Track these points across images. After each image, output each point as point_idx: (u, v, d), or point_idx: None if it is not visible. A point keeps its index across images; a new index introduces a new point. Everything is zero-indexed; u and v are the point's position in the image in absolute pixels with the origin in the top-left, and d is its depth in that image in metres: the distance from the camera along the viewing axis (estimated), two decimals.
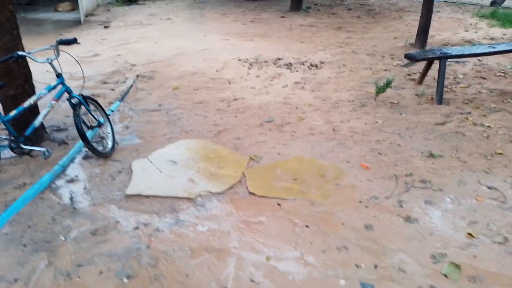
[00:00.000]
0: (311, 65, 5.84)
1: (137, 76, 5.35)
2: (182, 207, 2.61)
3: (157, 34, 7.84)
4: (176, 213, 2.54)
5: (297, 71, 5.60)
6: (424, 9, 6.24)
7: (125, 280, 2.01)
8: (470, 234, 2.37)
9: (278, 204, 2.65)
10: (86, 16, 9.20)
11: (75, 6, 9.63)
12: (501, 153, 3.24)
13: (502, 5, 10.55)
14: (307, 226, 2.43)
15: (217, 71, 5.60)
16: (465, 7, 10.53)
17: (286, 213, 2.55)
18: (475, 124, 3.77)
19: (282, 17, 9.47)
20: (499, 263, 2.12)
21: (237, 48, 6.77)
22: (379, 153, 3.34)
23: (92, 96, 3.40)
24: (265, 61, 6.01)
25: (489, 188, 2.81)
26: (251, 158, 3.27)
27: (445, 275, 2.06)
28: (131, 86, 4.96)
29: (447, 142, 3.48)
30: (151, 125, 3.88)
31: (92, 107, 3.30)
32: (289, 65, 5.83)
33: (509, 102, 4.26)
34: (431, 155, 3.26)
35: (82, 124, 3.00)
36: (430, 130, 3.71)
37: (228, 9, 10.46)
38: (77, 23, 8.94)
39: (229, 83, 5.14)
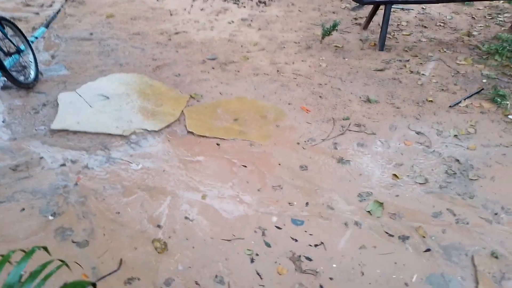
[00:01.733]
0: (260, 2, 5.57)
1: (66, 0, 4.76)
2: (115, 144, 2.47)
3: None
4: (108, 151, 2.41)
5: (244, 7, 5.32)
6: None
7: (50, 218, 1.91)
8: (395, 175, 2.54)
9: (217, 144, 2.61)
10: None
11: None
12: (431, 101, 3.43)
13: None
14: (244, 166, 2.44)
15: (157, 0, 5.14)
16: None
17: (224, 153, 2.53)
18: (411, 72, 3.91)
19: None
20: (417, 202, 2.32)
21: None
22: (320, 97, 3.37)
23: (9, 19, 2.96)
24: None
25: (417, 133, 2.99)
26: (191, 96, 3.14)
27: (369, 212, 2.21)
28: (59, 10, 4.40)
29: (384, 88, 3.59)
30: (81, 56, 3.52)
31: (9, 31, 2.89)
32: (236, 0, 5.51)
33: (445, 52, 4.44)
34: (368, 100, 3.36)
35: None
36: (370, 75, 3.80)
37: None
38: None
39: (171, 14, 4.76)
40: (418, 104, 3.37)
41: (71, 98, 2.84)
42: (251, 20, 4.90)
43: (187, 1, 5.25)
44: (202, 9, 5.05)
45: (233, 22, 4.79)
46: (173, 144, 2.56)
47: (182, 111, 2.92)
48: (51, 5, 4.59)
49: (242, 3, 5.43)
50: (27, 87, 2.87)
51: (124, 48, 3.77)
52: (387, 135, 2.93)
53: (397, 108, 3.30)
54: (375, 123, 3.06)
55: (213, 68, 3.67)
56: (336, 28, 4.30)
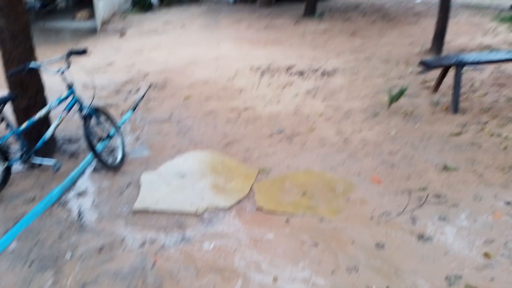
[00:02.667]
0: (324, 73, 5.77)
1: (150, 85, 5.40)
2: (189, 222, 2.59)
3: (171, 42, 7.91)
4: (183, 230, 2.52)
5: (309, 79, 5.54)
6: (441, 13, 6.10)
7: None
8: (486, 254, 2.26)
9: (286, 221, 2.60)
10: (103, 24, 9.37)
11: (92, 14, 9.82)
12: None
13: None
14: (315, 245, 2.37)
15: (229, 79, 5.60)
16: (484, 10, 10.27)
17: (294, 230, 2.50)
18: (492, 135, 3.63)
19: (296, 23, 9.43)
20: None
21: (249, 55, 6.76)
22: (392, 166, 3.25)
23: (103, 107, 3.43)
24: (277, 69, 5.97)
25: (507, 203, 2.69)
26: (259, 170, 3.23)
27: None
28: (143, 95, 5.00)
29: (462, 154, 3.36)
30: (161, 136, 3.88)
31: (102, 118, 3.33)
32: (301, 73, 5.78)
33: None
34: (446, 168, 3.15)
35: (92, 136, 3.03)
36: (445, 141, 3.60)
37: (242, 16, 10.48)
38: (93, 31, 9.11)
39: (240, 92, 5.12)
40: (504, 170, 3.07)
41: (152, 178, 3.10)
42: (316, 91, 5.06)
43: (255, 78, 5.63)
44: (269, 84, 5.37)
45: (298, 94, 4.99)
46: (243, 221, 2.60)
47: (252, 186, 2.99)
48: (137, 91, 5.23)
49: (306, 76, 5.67)
50: (114, 168, 3.20)
51: (198, 127, 4.09)
52: (472, 207, 2.68)
53: (480, 175, 3.04)
54: (457, 194, 2.83)
55: (280, 141, 3.78)
56: (404, 93, 4.25)
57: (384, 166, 3.25)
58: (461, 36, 7.43)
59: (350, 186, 2.99)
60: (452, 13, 7.74)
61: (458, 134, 3.70)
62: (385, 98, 4.57)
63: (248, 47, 7.36)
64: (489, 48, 6.45)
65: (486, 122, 3.89)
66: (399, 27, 8.61)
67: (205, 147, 3.66)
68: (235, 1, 12.61)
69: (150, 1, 11.18)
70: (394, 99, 4.24)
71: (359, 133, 3.88)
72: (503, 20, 8.68)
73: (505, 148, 3.41)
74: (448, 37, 6.58)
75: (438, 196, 2.82)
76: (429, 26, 8.07)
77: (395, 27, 8.69)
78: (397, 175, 3.12)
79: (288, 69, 5.98)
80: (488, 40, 7.07)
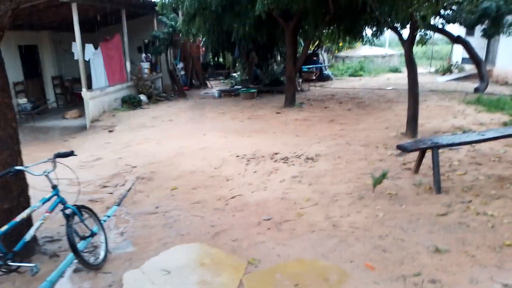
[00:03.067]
0: (307, 158, 5.94)
1: (137, 178, 5.42)
2: None
3: (159, 135, 8.16)
4: None
5: (293, 164, 5.68)
6: (411, 100, 6.58)
7: None
8: None
9: None
10: (92, 122, 9.70)
11: (82, 113, 10.22)
12: (510, 244, 3.09)
13: (485, 91, 11.17)
14: None
15: (215, 168, 5.69)
16: (450, 94, 11.14)
17: None
18: (478, 213, 3.68)
19: (278, 113, 9.96)
20: None
21: (235, 145, 6.98)
22: (384, 250, 3.19)
23: (87, 205, 3.38)
24: (262, 156, 6.13)
25: (505, 286, 2.62)
26: (249, 262, 3.12)
27: None
28: (130, 189, 4.98)
29: (452, 235, 3.35)
30: (147, 230, 3.79)
31: (86, 215, 3.27)
32: (285, 159, 5.94)
33: (509, 187, 4.22)
34: (438, 250, 3.11)
35: (74, 235, 2.93)
36: (433, 222, 3.61)
37: (227, 108, 11.06)
38: (82, 128, 9.39)
39: (227, 180, 5.17)
40: (496, 250, 3.05)
41: (135, 276, 2.94)
42: (301, 177, 5.15)
43: (241, 166, 5.74)
44: (255, 172, 5.46)
45: (284, 180, 5.06)
46: None
47: (241, 279, 2.86)
48: (123, 184, 5.23)
49: (291, 162, 5.82)
50: (96, 268, 3.04)
51: (185, 218, 4.03)
52: None
53: (473, 256, 3.00)
54: (452, 277, 2.75)
55: (268, 229, 3.73)
56: (386, 176, 4.36)
57: (376, 251, 3.19)
58: (433, 119, 7.92)
59: (343, 275, 2.88)
60: (421, 98, 8.35)
61: (445, 214, 3.73)
62: (369, 181, 4.65)
63: (234, 137, 7.63)
64: (461, 129, 6.85)
65: (470, 201, 3.96)
66: (374, 113, 9.17)
67: (193, 238, 3.56)
68: (220, 95, 13.40)
69: (139, 99, 11.78)
70: (377, 181, 4.34)
71: (347, 217, 3.87)
72: (469, 102, 9.38)
73: (493, 226, 3.42)
74: (421, 120, 7.01)
75: (433, 281, 2.73)
76: (402, 111, 8.62)
77: (370, 113, 9.26)
78: (390, 260, 3.04)
79: (273, 156, 6.14)
80: (459, 121, 7.54)
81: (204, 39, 13.15)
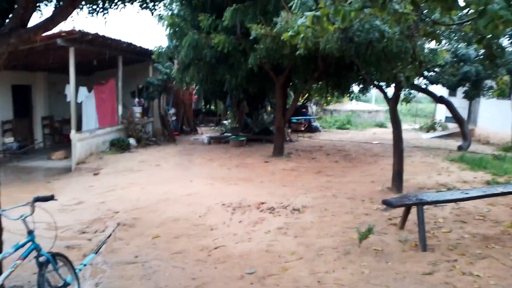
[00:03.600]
0: (294, 209, 5.89)
1: (118, 224, 5.26)
2: None
3: (145, 180, 8.05)
4: None
5: (279, 215, 5.61)
6: (395, 156, 6.72)
7: None
8: None
9: None
10: (78, 163, 9.57)
11: (68, 154, 10.10)
12: None
13: (468, 150, 11.50)
14: None
15: (200, 216, 5.58)
16: (434, 151, 11.42)
17: None
18: (463, 273, 3.63)
19: (266, 162, 10.01)
20: None
21: (221, 192, 6.91)
22: None
23: (63, 252, 3.24)
24: (248, 206, 6.06)
25: None
26: None
27: None
28: (109, 235, 4.82)
29: None
30: (123, 281, 3.61)
31: (61, 263, 3.12)
32: (272, 210, 5.87)
33: (494, 247, 4.21)
34: None
35: (46, 285, 2.78)
36: (419, 281, 3.54)
37: (215, 155, 11.09)
38: (67, 170, 9.23)
39: (211, 229, 5.05)
40: None
41: None
42: (287, 228, 5.07)
43: (226, 214, 5.65)
44: (240, 221, 5.36)
45: (269, 231, 4.97)
46: None
47: None
48: (103, 230, 5.06)
49: (277, 212, 5.76)
50: None
51: (165, 268, 3.87)
52: None
53: None
54: None
55: (251, 283, 3.60)
56: (372, 232, 4.33)
57: None
58: (418, 175, 8.04)
59: None
60: (406, 153, 8.53)
61: (431, 273, 3.66)
62: (355, 235, 4.60)
63: (220, 184, 7.58)
64: (445, 186, 6.95)
65: (456, 260, 3.92)
66: (360, 167, 9.29)
67: None
68: (209, 142, 13.49)
69: (128, 142, 11.78)
70: (363, 237, 4.29)
71: (332, 273, 3.77)
72: (453, 160, 9.60)
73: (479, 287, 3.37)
74: (406, 175, 7.11)
75: None
76: (388, 165, 8.74)
77: (356, 166, 9.38)
78: None
79: (259, 205, 6.08)
80: (443, 178, 7.66)
81: (197, 87, 13.49)
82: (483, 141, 14.48)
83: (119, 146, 11.35)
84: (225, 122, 17.29)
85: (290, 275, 3.74)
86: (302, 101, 17.35)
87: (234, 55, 9.48)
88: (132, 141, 12.05)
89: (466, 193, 4.63)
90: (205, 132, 16.73)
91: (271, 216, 5.58)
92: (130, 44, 11.56)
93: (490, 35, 3.51)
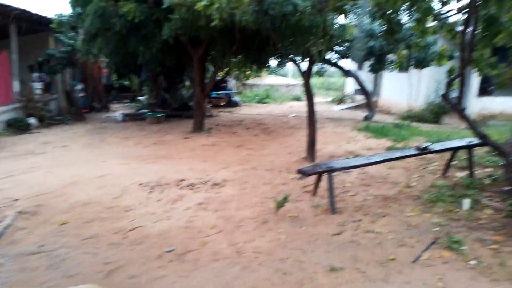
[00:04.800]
0: (214, 184, 5.89)
1: (18, 212, 4.73)
2: None
3: (49, 163, 7.32)
4: None
5: (200, 191, 5.57)
6: (309, 127, 7.05)
7: None
8: None
9: None
10: None
11: None
12: (393, 259, 3.41)
13: (373, 119, 12.58)
14: None
15: (114, 198, 5.28)
16: (344, 122, 12.28)
17: None
18: (367, 231, 4.00)
19: (186, 138, 9.80)
20: None
21: (138, 171, 6.61)
22: (284, 273, 3.25)
23: None
24: (167, 184, 5.90)
25: None
26: None
27: None
28: (8, 226, 4.32)
29: (345, 252, 3.57)
30: (26, 273, 3.28)
31: None
32: (192, 186, 5.80)
33: (392, 206, 4.70)
34: (333, 269, 3.28)
35: None
36: (329, 241, 3.82)
37: (131, 133, 10.52)
38: None
39: (127, 211, 4.82)
40: (382, 264, 3.33)
41: None
42: (208, 203, 5.06)
43: (143, 194, 5.43)
44: (158, 200, 5.20)
45: (189, 208, 4.91)
46: None
47: None
48: (1, 221, 4.52)
49: (197, 188, 5.70)
50: None
51: (75, 256, 3.61)
52: None
53: (363, 272, 3.22)
54: None
55: (170, 261, 3.54)
56: (288, 199, 4.53)
57: (277, 275, 3.23)
58: (330, 144, 8.59)
59: None
60: (319, 125, 9.02)
61: (339, 233, 3.98)
62: (273, 205, 4.79)
63: (137, 163, 7.24)
64: (353, 153, 7.53)
65: (360, 220, 4.31)
66: (279, 139, 9.61)
67: (82, 279, 3.19)
68: (124, 120, 12.73)
69: (27, 122, 10.56)
70: (280, 205, 4.48)
71: (251, 243, 3.88)
72: (360, 129, 10.42)
73: (380, 243, 3.75)
74: (319, 145, 7.53)
75: None
76: (303, 137, 9.17)
77: (275, 139, 9.68)
78: (290, 282, 3.11)
79: (179, 182, 5.96)
80: (351, 147, 8.29)
81: (106, 61, 12.49)
82: (385, 111, 15.96)
83: (17, 126, 10.13)
84: (141, 98, 16.41)
85: (210, 249, 3.76)
86: (221, 75, 17.20)
87: (147, 26, 8.90)
88: (33, 120, 10.83)
89: (370, 159, 5.05)
90: (119, 109, 15.73)
91: (191, 193, 5.51)
92: (24, 11, 10.15)
93: (391, 11, 3.78)
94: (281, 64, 13.58)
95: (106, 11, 8.51)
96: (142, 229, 4.26)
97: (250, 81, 22.91)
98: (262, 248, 3.74)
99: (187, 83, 16.18)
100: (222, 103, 17.09)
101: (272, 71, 14.21)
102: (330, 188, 4.53)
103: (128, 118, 13.03)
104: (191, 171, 6.64)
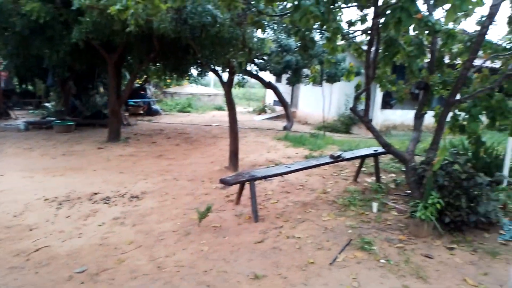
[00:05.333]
0: (132, 197, 5.59)
1: None
2: None
3: None
4: None
5: (116, 205, 5.22)
6: (231, 137, 7.11)
7: None
8: None
9: None
10: None
11: None
12: (313, 262, 3.57)
13: (291, 129, 13.15)
14: None
15: (15, 216, 4.69)
16: (265, 131, 12.63)
17: None
18: (288, 237, 4.13)
19: (100, 148, 9.16)
20: None
21: (44, 186, 5.97)
22: (208, 286, 3.19)
23: None
24: (78, 198, 5.43)
25: None
26: None
27: None
28: None
29: (268, 259, 3.64)
30: None
31: None
32: (107, 199, 5.42)
33: (310, 211, 4.94)
34: (256, 277, 3.31)
35: None
36: (252, 249, 3.85)
37: (35, 143, 9.50)
38: None
39: (30, 229, 4.32)
40: (302, 268, 3.45)
41: None
42: (124, 217, 4.77)
43: (50, 211, 4.92)
44: (68, 216, 4.75)
45: (104, 223, 4.57)
46: None
47: None
48: None
49: (113, 202, 5.35)
50: None
51: None
52: None
53: (285, 278, 3.31)
54: None
55: (82, 282, 3.24)
56: (211, 209, 4.48)
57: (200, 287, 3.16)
58: (252, 153, 8.75)
59: None
60: (241, 134, 9.15)
61: (261, 241, 4.04)
62: (195, 216, 4.69)
63: (42, 176, 6.54)
64: (273, 162, 7.76)
65: (282, 226, 4.43)
66: (201, 148, 9.51)
67: None
68: (26, 128, 11.44)
69: None
70: (203, 216, 4.40)
71: (173, 256, 3.74)
72: (279, 139, 10.81)
73: (300, 248, 3.89)
74: (241, 155, 7.62)
75: None
76: (225, 146, 9.20)
77: (197, 148, 9.55)
78: None
79: (92, 196, 5.52)
80: (271, 155, 8.54)
81: (5, 63, 11.16)
82: (302, 122, 16.82)
83: None
84: (47, 104, 14.95)
85: (127, 266, 3.53)
86: (140, 83, 16.53)
87: (54, 27, 8.18)
88: None
89: (289, 167, 5.25)
90: (22, 117, 14.12)
91: (106, 207, 5.14)
92: None
93: (304, 28, 4.01)
94: (202, 74, 13.51)
95: (4, 9, 7.62)
96: (49, 249, 3.84)
97: (171, 90, 22.38)
98: (184, 262, 3.62)
99: (101, 89, 15.18)
100: (141, 112, 16.39)
101: (194, 80, 14.02)
102: (253, 197, 4.59)
103: (32, 126, 11.75)
104: (106, 183, 6.21)
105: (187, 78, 13.68)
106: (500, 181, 5.06)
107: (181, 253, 3.80)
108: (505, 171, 5.40)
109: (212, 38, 6.54)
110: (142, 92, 17.08)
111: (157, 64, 11.89)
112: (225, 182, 4.67)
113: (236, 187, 5.64)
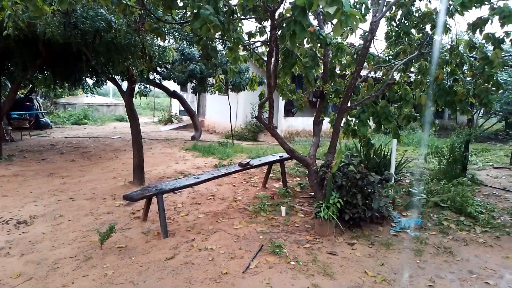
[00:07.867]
0: (19, 223, 4.87)
1: None
2: None
3: None
4: None
5: None
6: (135, 149, 6.71)
7: None
8: None
9: None
10: None
11: None
12: (226, 273, 3.52)
13: (200, 139, 13.01)
14: None
15: None
16: (172, 142, 12.26)
17: None
18: (200, 250, 4.02)
19: None
20: None
21: None
22: None
23: None
24: None
25: None
26: None
27: None
28: None
29: (180, 276, 3.48)
30: None
31: None
32: None
33: (222, 221, 4.90)
34: None
35: None
36: (162, 267, 3.65)
37: None
38: None
39: None
40: (216, 280, 3.39)
41: None
42: (10, 247, 4.13)
43: None
44: None
45: None
46: None
47: None
48: None
49: None
50: None
51: None
52: None
53: None
54: None
55: None
56: (114, 229, 4.13)
57: None
58: (159, 165, 8.39)
59: None
60: (147, 146, 8.73)
61: (172, 257, 3.86)
62: (97, 238, 4.28)
63: None
64: (182, 173, 7.55)
65: (193, 239, 4.30)
66: (101, 163, 8.79)
67: None
68: None
69: None
70: (105, 237, 4.04)
71: (71, 286, 3.34)
72: (188, 149, 10.60)
73: (213, 259, 3.81)
74: (147, 167, 7.24)
75: None
76: (129, 159, 8.67)
77: (97, 163, 8.81)
78: None
79: None
80: (180, 166, 8.30)
81: None
82: (211, 131, 16.79)
83: None
84: None
85: None
86: (25, 93, 14.68)
87: None
88: None
89: (198, 178, 5.15)
90: None
91: None
92: None
93: (206, 37, 3.98)
94: (99, 83, 12.54)
95: None
96: None
97: (63, 100, 20.36)
98: None
99: None
100: (27, 125, 14.53)
101: (90, 90, 12.88)
102: (161, 211, 4.37)
103: None
104: None
105: (81, 87, 12.53)
106: (389, 179, 5.69)
107: (81, 281, 3.42)
108: (392, 170, 6.10)
109: (108, 44, 6.11)
110: (28, 104, 15.19)
111: (46, 72, 10.69)
112: (130, 198, 4.36)
113: (142, 203, 5.32)
